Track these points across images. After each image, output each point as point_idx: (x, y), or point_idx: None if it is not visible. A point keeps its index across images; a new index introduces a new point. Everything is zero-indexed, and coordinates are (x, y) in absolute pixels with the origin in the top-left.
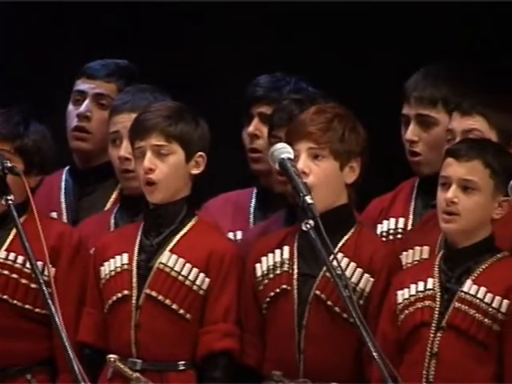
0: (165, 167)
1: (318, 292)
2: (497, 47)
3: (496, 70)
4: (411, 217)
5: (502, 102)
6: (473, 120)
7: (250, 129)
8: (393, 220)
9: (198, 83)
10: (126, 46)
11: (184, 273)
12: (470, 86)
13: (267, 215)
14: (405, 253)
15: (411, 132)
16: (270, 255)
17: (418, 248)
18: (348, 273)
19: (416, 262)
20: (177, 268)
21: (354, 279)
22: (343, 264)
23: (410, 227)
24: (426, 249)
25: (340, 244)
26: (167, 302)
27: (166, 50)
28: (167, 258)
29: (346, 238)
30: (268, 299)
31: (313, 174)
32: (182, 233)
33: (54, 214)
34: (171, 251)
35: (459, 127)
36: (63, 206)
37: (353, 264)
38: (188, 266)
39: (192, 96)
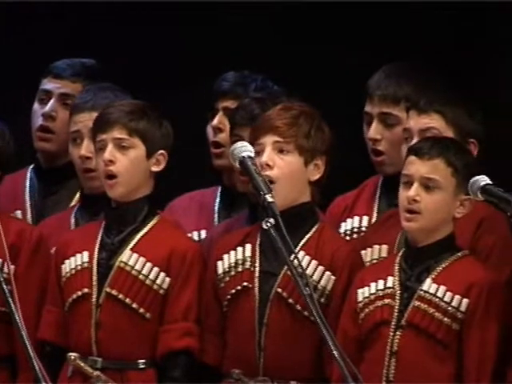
0: (125, 160)
1: (279, 290)
2: (457, 46)
3: (456, 69)
4: (375, 215)
5: (458, 100)
6: (429, 118)
7: (214, 122)
8: (357, 218)
9: (163, 84)
10: (91, 45)
11: (144, 272)
12: (431, 85)
13: (232, 214)
14: (363, 251)
15: (374, 130)
16: (232, 253)
17: (376, 247)
18: (309, 271)
19: (375, 261)
20: (137, 267)
21: (315, 277)
22: (305, 262)
23: None
24: (384, 247)
25: (302, 242)
26: (127, 300)
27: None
28: (128, 257)
29: (308, 236)
30: (229, 296)
31: (277, 167)
32: (143, 232)
33: (19, 213)
34: (132, 250)
35: (416, 126)
36: (28, 204)
37: (314, 262)
38: (149, 265)
39: (158, 96)
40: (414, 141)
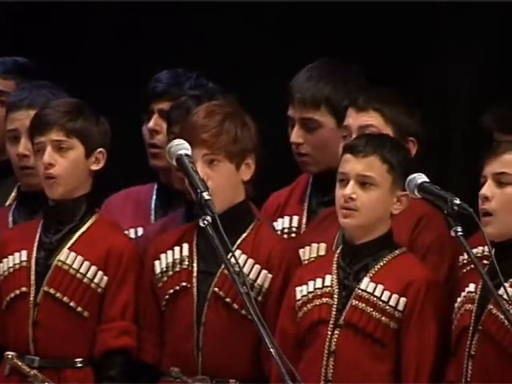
0: (64, 162)
1: (216, 289)
2: (376, 46)
3: (375, 68)
4: (305, 215)
5: (396, 98)
6: (368, 116)
7: (150, 124)
8: (287, 218)
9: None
10: (27, 44)
11: (82, 270)
12: (351, 86)
13: (168, 211)
14: (302, 250)
15: (295, 135)
16: (169, 252)
17: (315, 245)
18: (246, 269)
19: (313, 259)
20: (75, 266)
21: (252, 276)
22: (241, 261)
23: (304, 225)
24: (322, 246)
25: (238, 241)
26: (65, 299)
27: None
28: (66, 256)
29: (244, 235)
30: (167, 296)
31: (211, 180)
32: (81, 230)
33: None
34: (70, 249)
35: (355, 123)
36: None
37: (251, 261)
38: (86, 263)
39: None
40: None
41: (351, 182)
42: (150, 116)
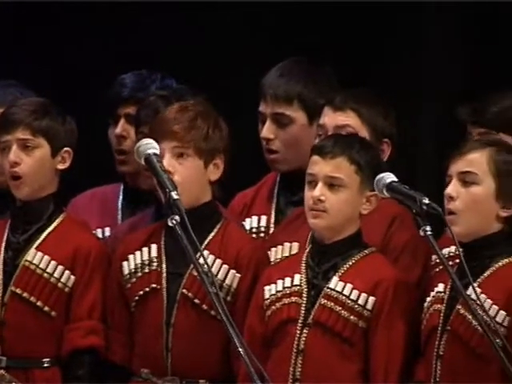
0: (30, 161)
1: (184, 290)
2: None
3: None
4: (273, 214)
5: (373, 99)
6: (345, 116)
7: (117, 130)
8: (255, 218)
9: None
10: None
11: (49, 270)
12: (322, 85)
13: (135, 211)
14: (274, 249)
15: (267, 130)
16: (137, 253)
17: (287, 244)
18: (214, 269)
19: (284, 258)
20: (42, 265)
21: (220, 276)
22: (209, 261)
23: (272, 225)
24: (295, 245)
25: (206, 241)
26: (32, 299)
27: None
28: (33, 256)
29: (211, 234)
30: (137, 298)
31: (177, 173)
32: (48, 230)
33: None
34: (37, 249)
35: (331, 123)
36: None
37: (219, 261)
38: (53, 263)
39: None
40: None
41: (320, 184)
42: (116, 120)
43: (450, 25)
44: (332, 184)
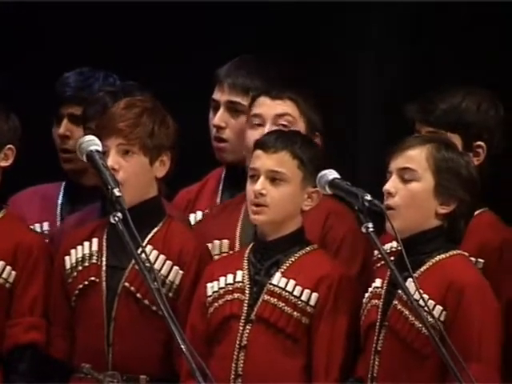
0: None
1: (126, 284)
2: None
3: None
4: None
5: (308, 91)
6: (284, 104)
7: (61, 130)
8: (199, 213)
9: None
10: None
11: None
12: (282, 78)
13: (76, 207)
14: (210, 244)
15: (219, 117)
16: (79, 247)
17: (217, 242)
18: (157, 265)
19: (216, 256)
20: None
21: (163, 272)
22: (152, 256)
23: None
24: (225, 242)
25: (149, 236)
26: None
27: None
28: None
29: (155, 230)
30: (77, 292)
31: (122, 170)
32: None
33: None
34: None
35: (270, 111)
36: None
37: (162, 257)
38: None
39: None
40: (267, 128)
41: (261, 178)
42: (59, 120)
43: (387, 24)
44: (274, 178)
